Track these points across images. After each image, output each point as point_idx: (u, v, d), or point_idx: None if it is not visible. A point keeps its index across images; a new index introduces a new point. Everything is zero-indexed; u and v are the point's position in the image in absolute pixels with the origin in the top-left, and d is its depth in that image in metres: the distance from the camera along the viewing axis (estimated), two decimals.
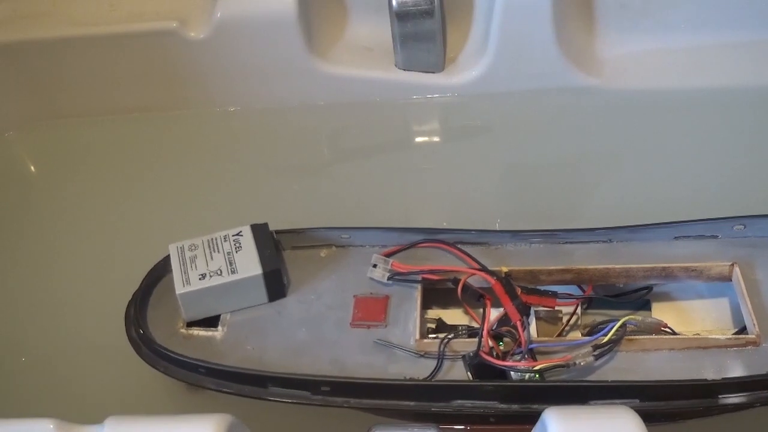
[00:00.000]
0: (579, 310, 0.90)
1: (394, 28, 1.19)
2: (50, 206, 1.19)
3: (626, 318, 0.83)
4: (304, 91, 1.26)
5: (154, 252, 0.95)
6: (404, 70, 1.24)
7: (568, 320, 0.90)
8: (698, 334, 0.87)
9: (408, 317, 0.87)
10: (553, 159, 1.18)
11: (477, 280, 0.87)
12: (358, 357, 0.84)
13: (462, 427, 0.85)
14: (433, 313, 0.92)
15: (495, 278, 0.86)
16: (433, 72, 1.24)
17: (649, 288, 0.91)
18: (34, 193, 1.23)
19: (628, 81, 1.22)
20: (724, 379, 0.78)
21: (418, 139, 1.27)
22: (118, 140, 1.28)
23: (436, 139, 1.27)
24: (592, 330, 0.86)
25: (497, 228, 0.97)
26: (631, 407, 0.74)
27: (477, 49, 1.24)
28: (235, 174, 1.21)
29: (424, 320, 0.88)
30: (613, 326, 0.82)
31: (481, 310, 0.85)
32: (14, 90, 1.27)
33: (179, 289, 0.86)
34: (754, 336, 0.82)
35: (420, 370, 0.83)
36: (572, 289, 0.91)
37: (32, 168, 1.29)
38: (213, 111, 1.29)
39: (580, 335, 0.88)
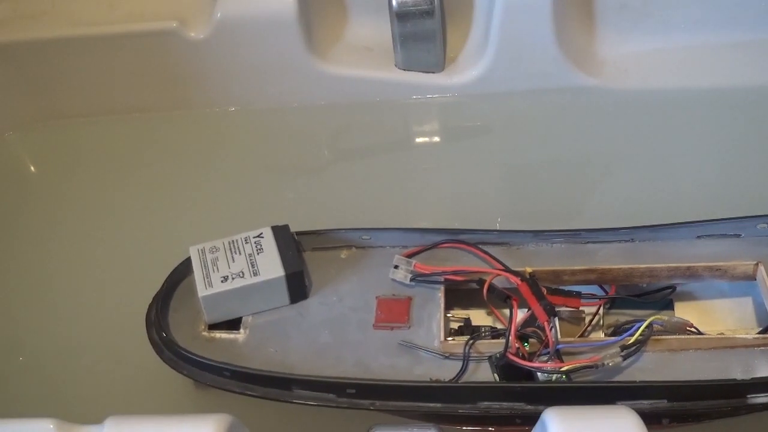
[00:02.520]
0: (602, 311, 0.90)
1: (394, 28, 1.19)
2: (50, 206, 1.19)
3: (653, 318, 0.83)
4: (304, 91, 1.26)
5: (153, 253, 0.95)
6: (404, 70, 1.24)
7: (591, 320, 0.90)
8: (722, 334, 0.87)
9: (431, 318, 0.87)
10: (553, 159, 1.18)
11: (500, 281, 0.87)
12: (382, 359, 0.84)
13: (488, 428, 0.85)
14: (456, 313, 0.92)
15: (520, 279, 0.86)
16: (433, 72, 1.24)
17: (672, 287, 0.90)
18: (34, 193, 1.23)
19: (628, 81, 1.23)
20: (753, 378, 0.78)
21: (418, 139, 1.27)
22: (118, 140, 1.27)
23: (436, 139, 1.27)
24: (617, 330, 0.86)
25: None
26: (659, 407, 0.74)
27: (477, 49, 1.24)
28: (235, 174, 1.21)
29: (448, 321, 0.88)
30: (640, 326, 0.81)
31: (506, 310, 0.86)
32: (14, 90, 1.26)
33: (202, 291, 0.86)
34: None
35: (445, 371, 0.83)
36: (593, 289, 0.91)
37: (32, 168, 1.29)
38: (213, 111, 1.29)
39: (602, 335, 0.88)
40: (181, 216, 1.15)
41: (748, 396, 0.78)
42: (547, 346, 0.81)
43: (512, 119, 1.24)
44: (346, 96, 1.26)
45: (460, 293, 0.91)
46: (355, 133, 1.27)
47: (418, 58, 1.23)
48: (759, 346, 0.82)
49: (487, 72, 1.22)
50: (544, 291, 0.85)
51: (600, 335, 0.88)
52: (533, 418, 0.78)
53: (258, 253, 0.89)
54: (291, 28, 1.20)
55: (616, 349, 0.81)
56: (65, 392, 0.98)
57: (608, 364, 0.80)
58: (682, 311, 0.91)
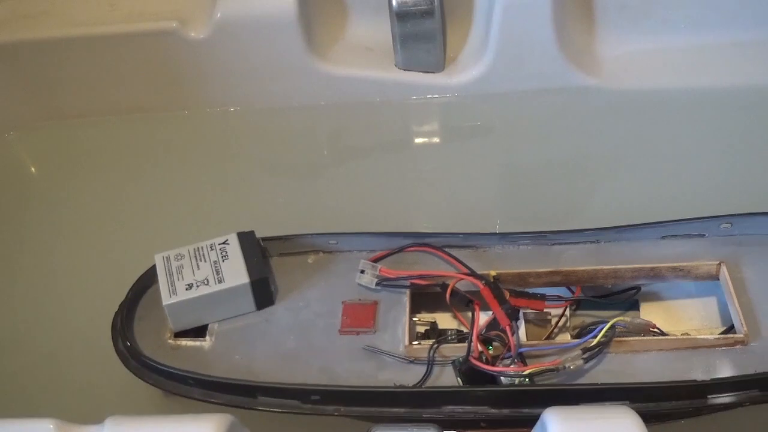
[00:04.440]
0: (568, 312, 0.90)
1: (394, 28, 1.19)
2: (50, 207, 1.19)
3: (615, 320, 0.83)
4: (304, 91, 1.26)
5: (153, 253, 0.94)
6: (404, 70, 1.24)
7: (557, 322, 0.90)
8: (687, 334, 0.87)
9: (397, 323, 0.87)
10: (553, 159, 1.17)
11: (465, 285, 0.87)
12: (347, 364, 0.84)
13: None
14: (422, 317, 0.91)
15: (483, 282, 0.86)
16: (433, 72, 1.24)
17: (637, 288, 0.90)
18: (34, 193, 1.24)
19: (628, 81, 1.22)
20: (713, 379, 0.78)
21: (418, 140, 1.27)
22: (118, 140, 1.28)
23: (435, 139, 1.27)
24: (582, 332, 0.86)
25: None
26: None
27: (477, 49, 1.24)
28: (235, 175, 1.21)
29: (413, 325, 0.88)
30: (602, 328, 0.82)
31: (470, 314, 0.85)
32: (14, 90, 1.27)
33: (166, 299, 0.86)
34: (742, 335, 0.82)
35: (410, 376, 0.83)
36: (561, 291, 0.91)
37: (32, 168, 1.29)
38: (213, 111, 1.29)
39: (569, 337, 0.88)
40: (183, 215, 1.15)
41: (709, 396, 0.78)
42: (510, 349, 0.82)
43: (512, 119, 1.24)
44: (346, 96, 1.26)
45: (427, 297, 0.90)
46: (355, 133, 1.27)
47: (418, 58, 1.23)
48: (720, 346, 0.82)
49: (487, 72, 1.22)
50: (507, 294, 0.85)
51: (567, 337, 0.89)
52: (497, 422, 0.79)
53: (223, 260, 0.89)
54: (291, 28, 1.21)
55: (577, 352, 0.81)
56: (65, 392, 0.98)
57: (570, 366, 0.80)
58: (649, 312, 0.91)
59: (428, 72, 1.24)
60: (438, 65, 1.24)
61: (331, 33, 1.28)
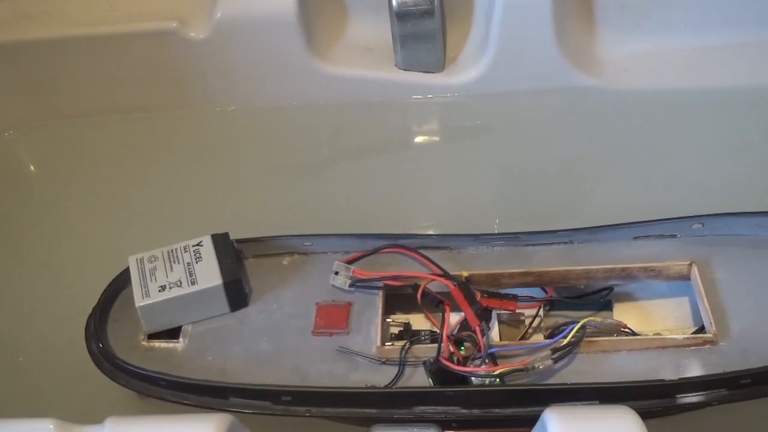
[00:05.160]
0: (542, 313, 0.90)
1: (394, 28, 1.19)
2: (50, 206, 1.19)
3: (585, 320, 0.83)
4: (304, 91, 1.26)
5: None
6: (404, 70, 1.24)
7: (531, 323, 0.90)
8: (659, 334, 0.87)
9: (370, 324, 0.87)
10: (553, 159, 1.17)
11: (438, 286, 0.87)
12: (320, 365, 0.85)
13: None
14: (396, 318, 0.92)
15: (454, 283, 0.86)
16: (433, 72, 1.24)
17: (610, 289, 0.91)
18: (34, 193, 1.24)
19: (628, 81, 1.22)
20: (681, 379, 0.79)
21: (418, 139, 1.27)
22: (118, 140, 1.28)
23: (436, 139, 1.27)
24: (554, 332, 0.86)
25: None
26: None
27: (477, 49, 1.24)
28: (235, 175, 1.21)
29: (386, 326, 0.88)
30: (573, 329, 0.82)
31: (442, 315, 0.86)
32: (14, 90, 1.27)
33: (138, 301, 0.86)
34: (711, 335, 0.82)
35: (382, 376, 0.83)
36: (535, 292, 0.91)
37: (32, 168, 1.29)
38: (213, 111, 1.29)
39: (543, 338, 0.88)
40: (181, 215, 1.16)
41: (677, 396, 0.78)
42: (480, 350, 0.82)
43: (512, 119, 1.23)
44: (346, 96, 1.26)
45: (402, 298, 0.91)
46: (355, 133, 1.27)
47: (418, 58, 1.23)
48: (690, 346, 0.82)
49: (487, 72, 1.22)
50: (479, 295, 0.85)
51: (541, 338, 0.89)
52: (469, 423, 0.79)
53: (197, 262, 0.89)
54: (291, 28, 1.21)
55: (547, 352, 0.81)
56: (65, 392, 0.98)
57: (539, 366, 0.80)
58: (622, 312, 0.91)
59: (428, 72, 1.24)
60: (438, 65, 1.24)
61: (331, 33, 1.28)
